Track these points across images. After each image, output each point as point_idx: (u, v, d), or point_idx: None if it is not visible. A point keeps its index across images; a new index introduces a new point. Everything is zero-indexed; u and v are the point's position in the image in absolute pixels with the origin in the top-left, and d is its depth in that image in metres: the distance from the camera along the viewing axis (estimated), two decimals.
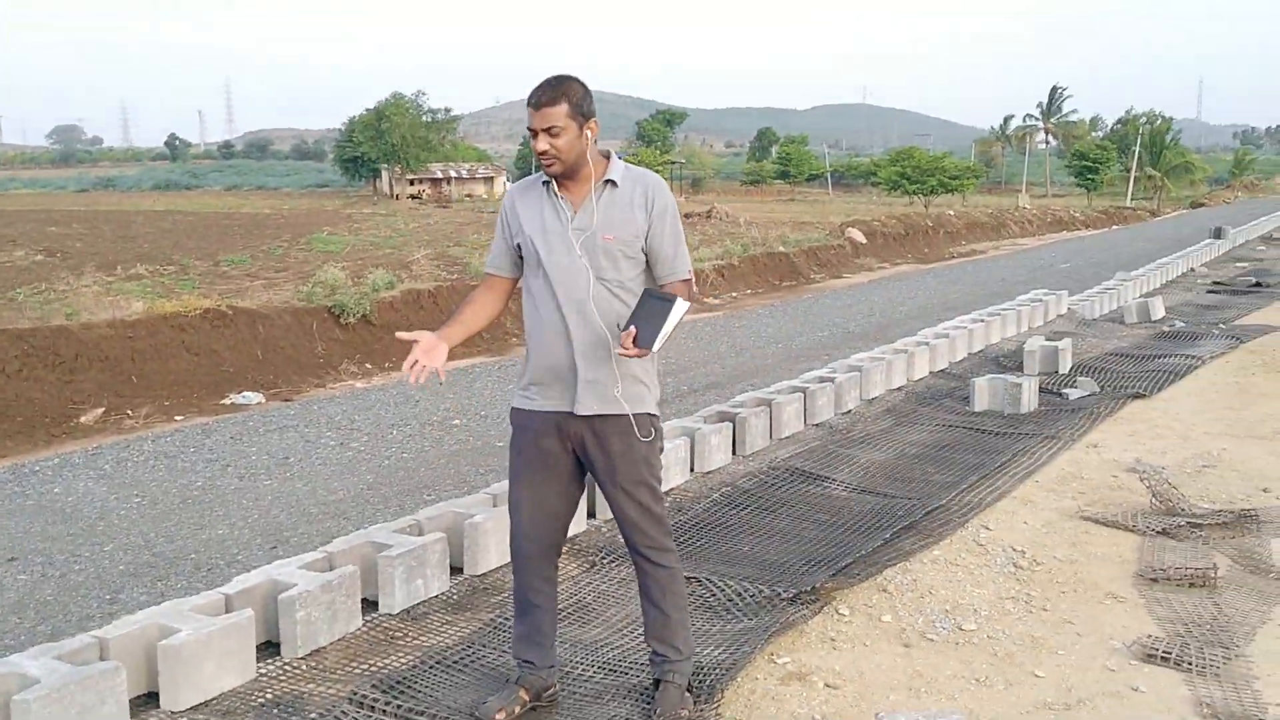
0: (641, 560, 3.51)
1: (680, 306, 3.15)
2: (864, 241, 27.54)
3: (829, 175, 80.00)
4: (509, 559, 4.74)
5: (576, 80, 3.32)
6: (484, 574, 4.71)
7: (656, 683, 3.58)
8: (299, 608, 3.84)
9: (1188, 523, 5.46)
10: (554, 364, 3.37)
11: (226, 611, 3.84)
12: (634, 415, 3.36)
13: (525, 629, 3.59)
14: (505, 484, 5.29)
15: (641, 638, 3.80)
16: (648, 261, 3.42)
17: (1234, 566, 4.94)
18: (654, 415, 3.45)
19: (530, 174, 3.42)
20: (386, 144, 59.05)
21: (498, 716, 3.46)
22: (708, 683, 3.67)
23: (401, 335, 3.50)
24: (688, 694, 3.56)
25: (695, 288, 3.52)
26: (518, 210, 3.44)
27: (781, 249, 23.47)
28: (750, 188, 77.44)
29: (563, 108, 3.24)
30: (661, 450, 3.53)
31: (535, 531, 3.50)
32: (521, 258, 3.46)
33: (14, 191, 76.74)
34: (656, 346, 3.13)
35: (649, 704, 3.56)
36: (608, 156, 3.44)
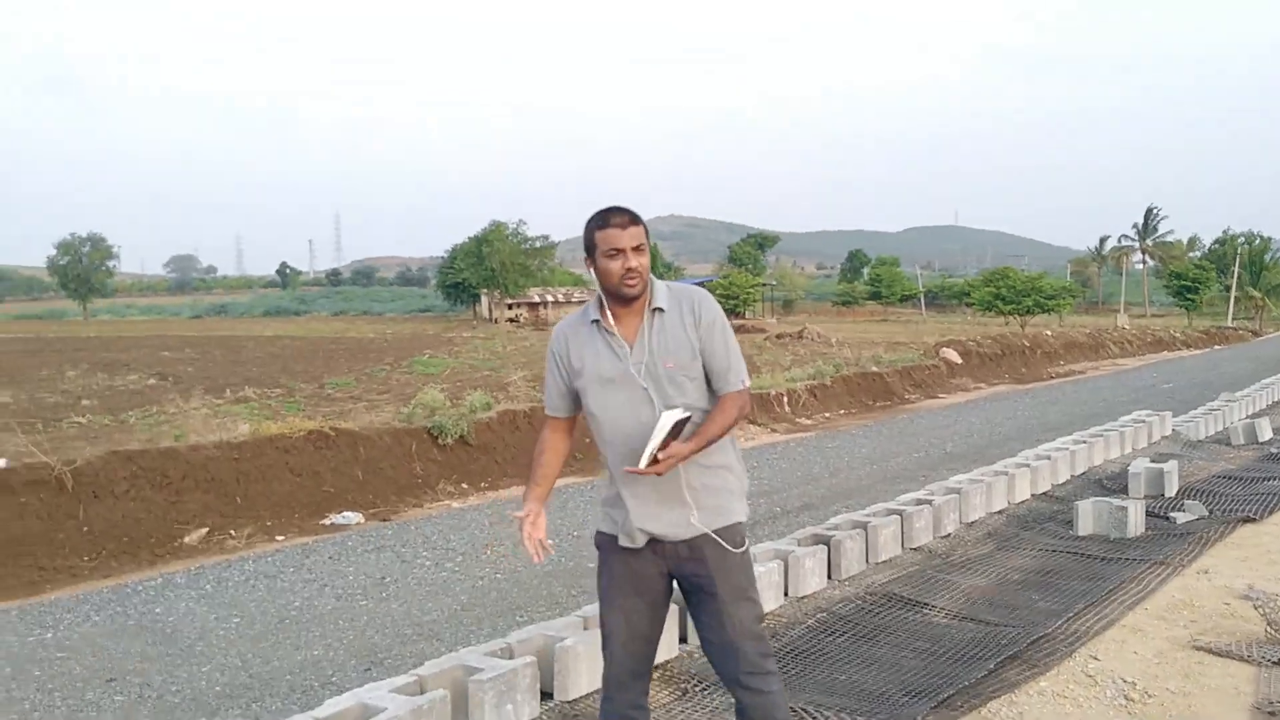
0: (740, 690, 3.42)
1: (666, 418, 3.16)
2: (959, 362, 27.25)
3: (922, 296, 79.67)
4: (598, 685, 4.71)
5: None
6: (574, 700, 4.65)
7: None
8: None
9: None
10: (623, 497, 3.41)
11: None
12: (718, 531, 3.37)
13: None
14: (596, 606, 5.28)
15: None
16: (705, 376, 3.44)
17: None
18: (741, 523, 3.46)
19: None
20: (486, 269, 60.59)
21: None
22: None
23: (512, 514, 3.63)
24: None
25: (749, 398, 3.53)
26: (570, 353, 3.48)
27: (875, 369, 23.31)
28: (842, 308, 77.52)
29: (642, 228, 3.36)
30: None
31: (626, 654, 3.49)
32: (577, 396, 3.51)
33: (131, 318, 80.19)
34: (642, 464, 3.16)
35: None
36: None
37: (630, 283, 3.33)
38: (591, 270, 3.43)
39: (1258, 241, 72.40)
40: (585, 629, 4.98)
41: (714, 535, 3.36)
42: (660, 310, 3.40)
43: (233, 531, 10.37)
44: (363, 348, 35.14)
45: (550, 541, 3.55)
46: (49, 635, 6.99)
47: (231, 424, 13.38)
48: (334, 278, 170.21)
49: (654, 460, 3.15)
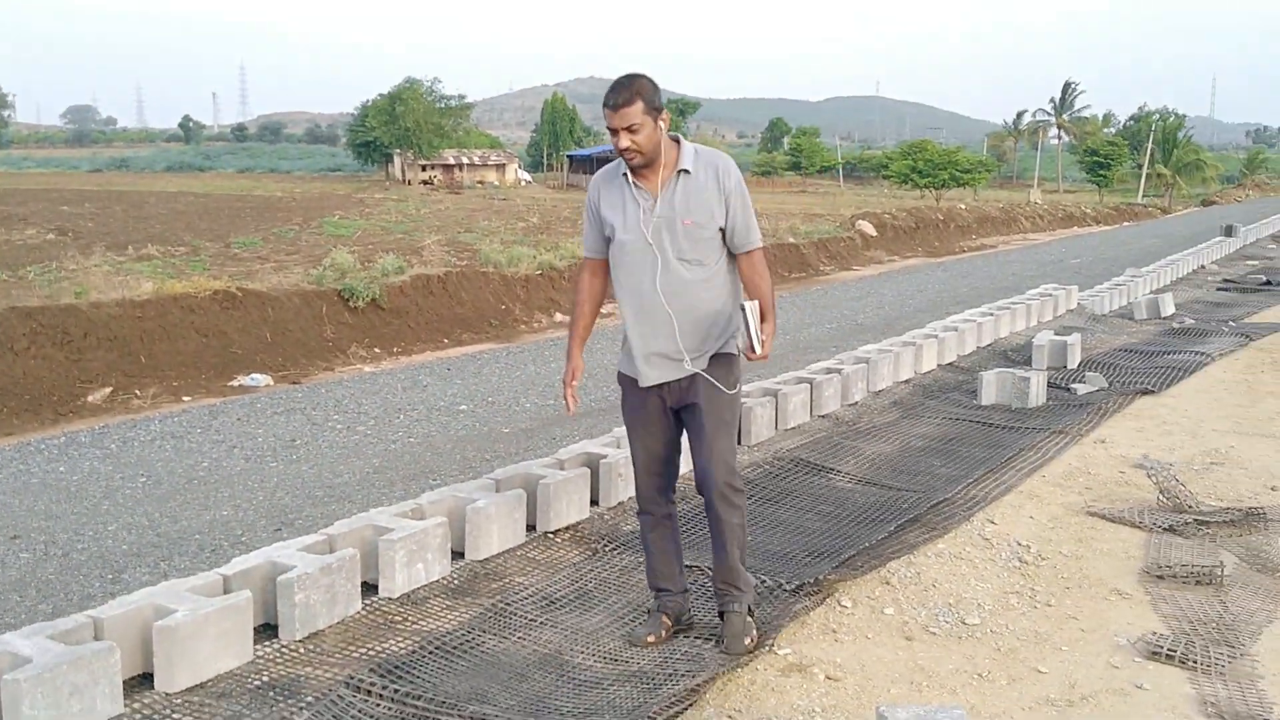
0: (709, 509, 3.89)
1: (750, 307, 3.61)
2: (874, 234, 27.47)
3: (840, 167, 79.73)
4: (509, 545, 4.77)
5: (645, 78, 3.64)
6: (485, 559, 4.68)
7: (721, 614, 3.95)
8: (297, 590, 3.82)
9: (1195, 520, 5.42)
10: (645, 337, 3.75)
11: (225, 593, 3.81)
12: (709, 371, 3.76)
13: (656, 561, 4.05)
14: (506, 469, 5.32)
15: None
16: (723, 236, 3.76)
17: (1240, 565, 4.90)
18: (733, 356, 3.86)
19: (597, 165, 3.88)
20: (400, 129, 58.96)
21: (649, 639, 3.93)
22: (710, 675, 3.66)
23: (569, 382, 4.00)
24: (749, 620, 3.93)
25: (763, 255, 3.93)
26: (600, 203, 3.81)
27: (791, 240, 23.41)
28: (761, 178, 77.27)
29: (638, 105, 3.55)
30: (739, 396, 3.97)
31: (649, 474, 3.95)
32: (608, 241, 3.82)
33: (27, 171, 76.80)
34: (758, 348, 3.62)
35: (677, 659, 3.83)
36: (678, 142, 3.75)
37: (628, 158, 3.63)
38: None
39: (1172, 119, 73.37)
40: (497, 490, 4.99)
41: (706, 375, 3.76)
42: (686, 172, 3.69)
43: (138, 391, 10.17)
44: (270, 206, 34.23)
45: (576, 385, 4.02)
46: None
47: (135, 282, 13.02)
48: (239, 133, 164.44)
49: (753, 349, 3.61)
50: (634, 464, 4.01)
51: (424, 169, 63.42)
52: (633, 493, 5.61)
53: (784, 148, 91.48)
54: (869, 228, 27.64)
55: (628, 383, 3.90)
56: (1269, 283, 16.39)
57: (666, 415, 3.87)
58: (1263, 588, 4.65)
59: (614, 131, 3.58)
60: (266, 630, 3.94)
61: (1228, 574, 4.71)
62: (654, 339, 3.73)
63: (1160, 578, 4.73)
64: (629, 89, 3.56)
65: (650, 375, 3.77)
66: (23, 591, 5.23)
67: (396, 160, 65.80)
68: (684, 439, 3.95)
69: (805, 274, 21.80)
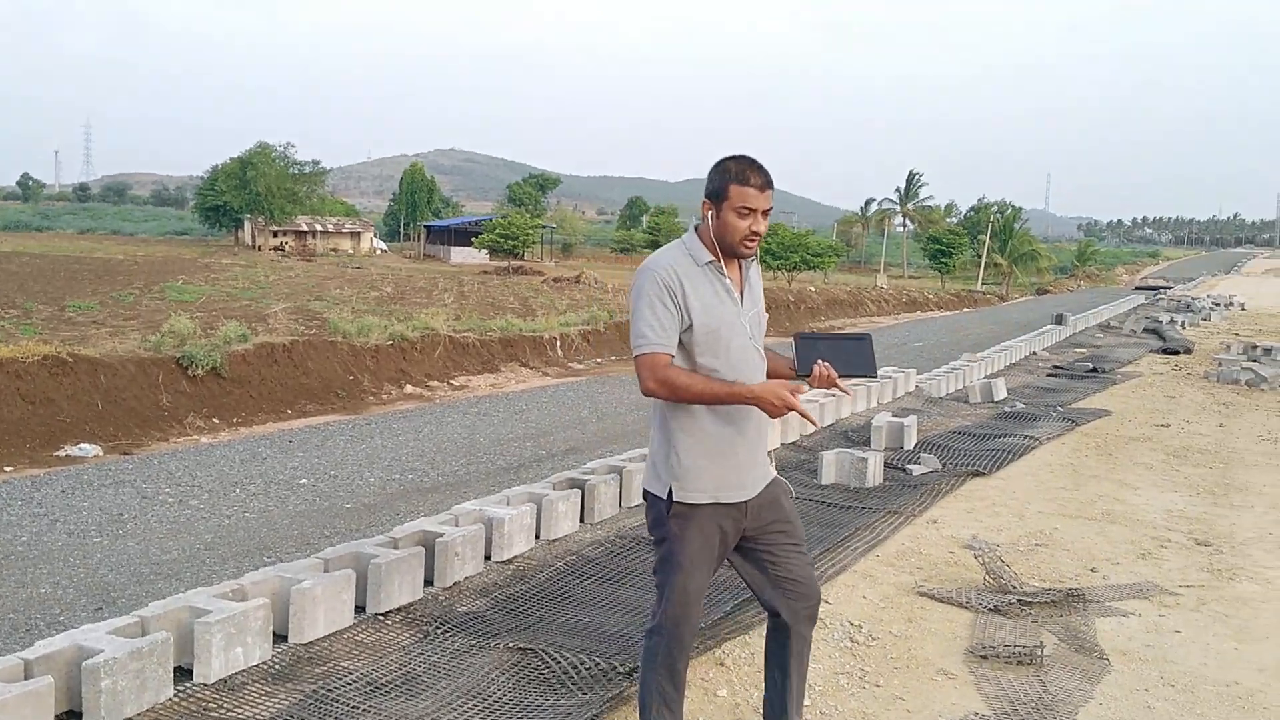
0: (806, 625, 3.56)
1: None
2: None
3: None
4: (335, 627, 4.61)
5: None
6: (309, 643, 4.53)
7: None
8: (104, 676, 3.62)
9: (1018, 600, 5.60)
10: (729, 451, 3.35)
11: (25, 678, 3.59)
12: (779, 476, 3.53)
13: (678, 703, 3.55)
14: (336, 548, 5.16)
15: (470, 710, 3.87)
16: None
17: (1060, 645, 5.08)
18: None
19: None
20: (251, 193, 57.87)
21: None
22: None
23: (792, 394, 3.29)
24: None
25: None
26: (686, 291, 3.27)
27: None
28: (620, 255, 78.18)
29: (772, 191, 3.32)
30: None
31: (699, 602, 3.44)
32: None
33: None
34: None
35: None
36: None
37: (749, 244, 3.31)
38: (709, 215, 3.33)
39: (1009, 211, 77.19)
40: (326, 570, 4.85)
41: (782, 479, 3.51)
42: (750, 263, 3.44)
43: None
44: (110, 269, 32.98)
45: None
46: None
47: None
48: (82, 193, 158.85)
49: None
50: (687, 609, 3.40)
51: (276, 235, 62.26)
52: (469, 573, 5.55)
53: (642, 225, 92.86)
54: None
55: (699, 512, 3.33)
56: (1095, 370, 17.24)
57: (731, 540, 3.44)
58: (1080, 668, 4.82)
59: (751, 213, 3.26)
60: (70, 718, 3.72)
61: (1047, 654, 4.87)
62: (758, 446, 3.42)
63: (984, 658, 4.86)
64: (769, 173, 3.30)
65: (750, 486, 3.39)
66: None
67: (247, 225, 64.44)
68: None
69: None
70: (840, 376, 3.30)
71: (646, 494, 3.45)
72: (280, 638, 4.52)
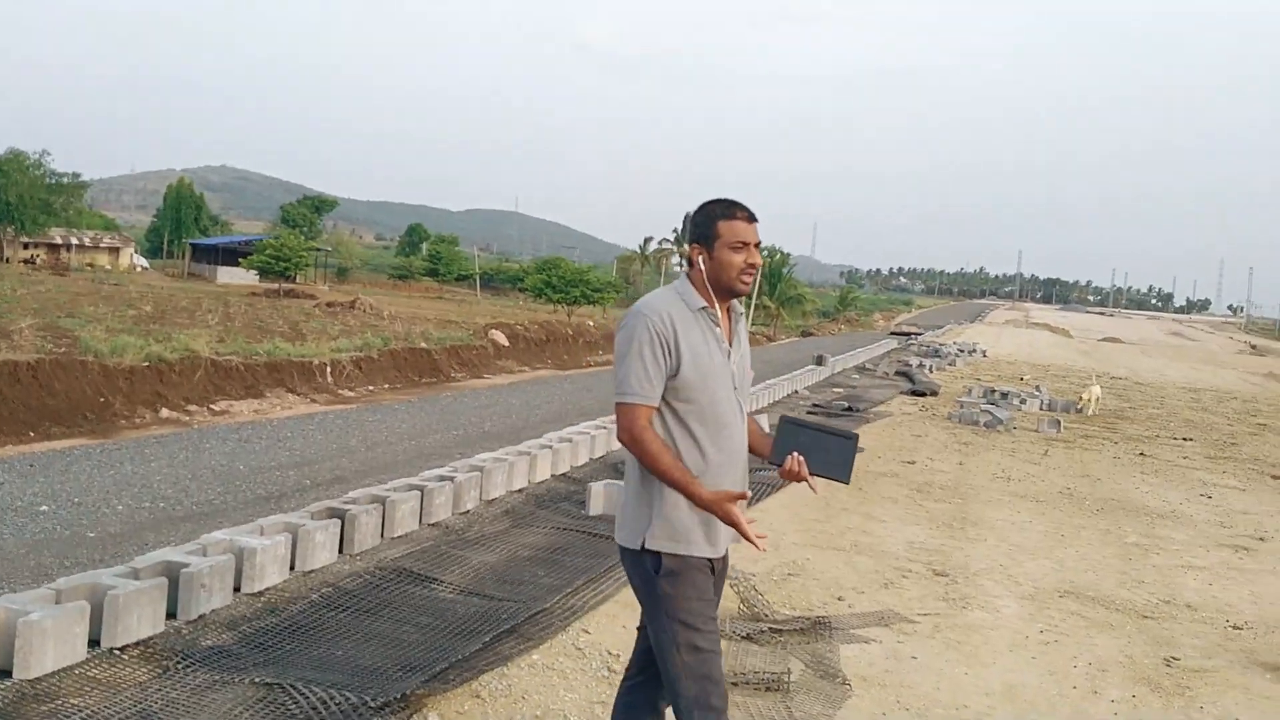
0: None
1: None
2: (507, 344, 27.93)
3: (478, 277, 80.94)
4: (66, 662, 4.33)
5: None
6: (36, 679, 4.23)
7: None
8: None
9: (770, 628, 5.81)
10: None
11: None
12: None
13: None
14: (70, 579, 4.86)
15: None
16: None
17: (806, 671, 5.29)
18: None
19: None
20: (1, 202, 53.97)
21: None
22: None
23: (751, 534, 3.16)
24: None
25: None
26: (679, 337, 3.20)
27: (424, 345, 23.35)
28: (399, 282, 76.98)
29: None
30: None
31: (723, 684, 3.22)
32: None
33: None
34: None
35: None
36: None
37: (746, 279, 3.28)
38: (700, 258, 3.29)
39: (779, 256, 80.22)
40: (57, 601, 4.55)
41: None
42: (740, 312, 3.44)
43: None
44: None
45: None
46: None
47: None
48: None
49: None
50: (701, 665, 3.17)
51: (26, 247, 58.32)
52: (216, 605, 5.32)
53: (422, 253, 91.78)
54: (502, 337, 28.09)
55: (687, 564, 3.20)
56: (850, 409, 18.12)
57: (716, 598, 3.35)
58: (824, 693, 5.03)
59: (745, 246, 3.25)
60: None
61: (794, 680, 5.07)
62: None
63: (734, 684, 5.01)
64: (750, 208, 3.32)
65: (720, 545, 3.29)
66: None
67: None
68: None
69: (436, 379, 21.74)
70: (810, 474, 3.22)
71: (625, 552, 3.29)
72: (4, 674, 4.21)
